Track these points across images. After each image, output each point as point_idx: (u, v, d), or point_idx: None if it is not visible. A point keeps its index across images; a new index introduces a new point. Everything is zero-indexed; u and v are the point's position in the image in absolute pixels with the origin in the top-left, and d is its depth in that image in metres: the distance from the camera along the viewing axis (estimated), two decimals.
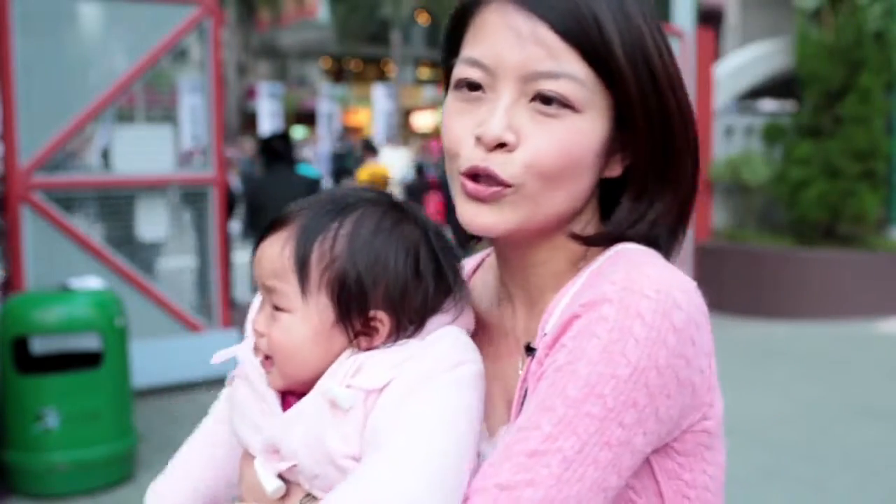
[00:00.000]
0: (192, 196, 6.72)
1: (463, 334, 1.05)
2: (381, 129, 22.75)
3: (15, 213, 5.84)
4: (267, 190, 6.95)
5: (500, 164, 0.98)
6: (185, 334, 6.47)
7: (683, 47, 9.14)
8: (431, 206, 10.26)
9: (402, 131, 28.06)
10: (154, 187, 6.45)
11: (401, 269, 1.04)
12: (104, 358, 4.81)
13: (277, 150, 7.20)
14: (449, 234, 1.16)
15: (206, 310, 6.79)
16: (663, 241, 1.06)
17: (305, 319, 1.04)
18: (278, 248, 1.05)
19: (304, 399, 1.02)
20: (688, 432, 0.97)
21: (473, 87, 1.00)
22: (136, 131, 6.84)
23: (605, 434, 0.89)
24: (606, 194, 1.07)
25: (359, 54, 37.39)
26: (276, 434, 1.02)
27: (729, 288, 9.55)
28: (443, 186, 9.88)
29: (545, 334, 0.99)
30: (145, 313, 6.20)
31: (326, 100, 23.08)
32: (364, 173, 11.32)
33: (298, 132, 28.54)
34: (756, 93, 12.48)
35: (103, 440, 4.79)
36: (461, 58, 1.02)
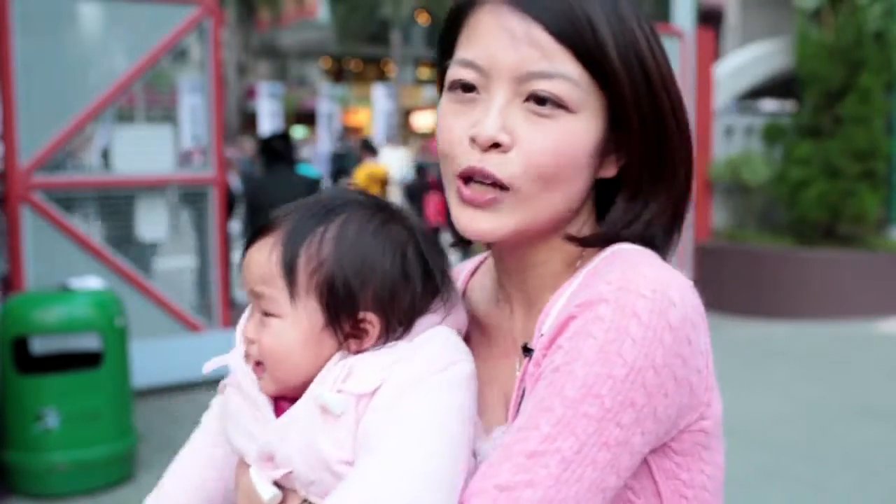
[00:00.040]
0: (191, 196, 6.72)
1: (453, 334, 1.05)
2: (381, 129, 22.75)
3: (15, 213, 5.84)
4: (267, 190, 6.95)
5: (495, 165, 0.98)
6: (185, 334, 6.47)
7: (683, 47, 9.14)
8: (431, 206, 10.25)
9: (402, 131, 28.06)
10: (154, 187, 6.45)
11: (388, 270, 1.04)
12: (104, 358, 4.81)
13: (277, 150, 7.21)
14: (448, 235, 1.16)
15: (206, 310, 6.80)
16: (659, 241, 1.06)
17: (295, 324, 1.03)
18: (265, 254, 1.05)
19: (296, 405, 1.02)
20: (685, 432, 0.97)
21: (467, 88, 1.01)
22: (136, 131, 6.84)
23: (603, 434, 0.89)
24: (602, 195, 1.07)
25: (359, 54, 37.39)
26: (270, 441, 1.02)
27: (729, 288, 9.55)
28: (443, 186, 9.85)
29: (542, 335, 0.99)
30: (145, 313, 6.20)
31: (326, 100, 23.07)
32: (362, 173, 11.32)
33: (298, 132, 28.54)
34: (756, 93, 12.48)
35: (103, 440, 4.80)
36: (455, 59, 1.02)
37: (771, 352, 8.10)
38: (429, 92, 34.68)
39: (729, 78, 11.81)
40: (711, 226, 10.40)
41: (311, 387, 1.02)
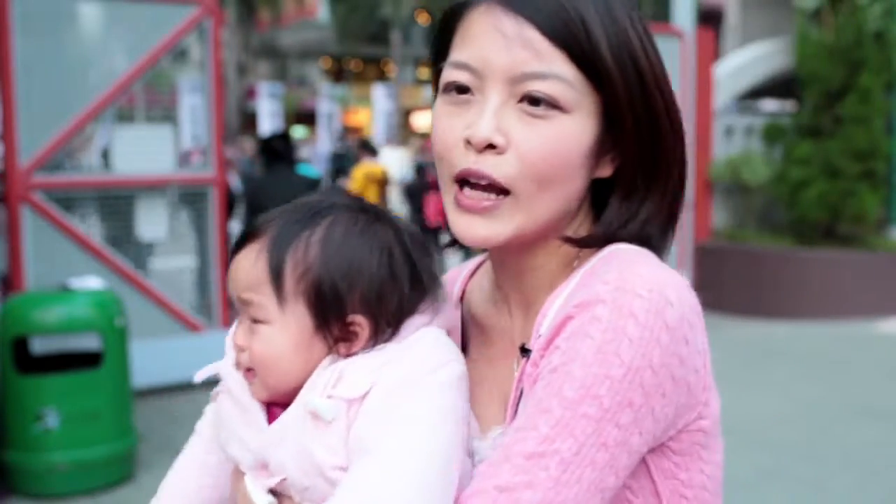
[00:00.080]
0: (191, 196, 6.72)
1: (442, 335, 1.05)
2: (381, 129, 22.75)
3: (15, 213, 5.84)
4: (267, 190, 6.95)
5: (491, 166, 0.98)
6: (185, 334, 6.47)
7: (683, 47, 9.14)
8: (432, 206, 10.24)
9: (402, 131, 28.06)
10: (154, 187, 6.46)
11: (375, 272, 1.03)
12: (104, 358, 4.81)
13: (277, 150, 7.20)
14: (448, 235, 1.15)
15: (206, 310, 6.80)
16: (655, 240, 1.06)
17: (284, 329, 1.03)
18: (251, 261, 1.04)
19: (287, 412, 1.02)
20: (684, 431, 0.97)
21: (462, 90, 1.01)
22: (136, 131, 6.84)
23: (601, 435, 0.89)
24: (598, 195, 1.07)
25: (359, 54, 37.39)
26: (263, 449, 1.02)
27: (729, 288, 9.55)
28: None
29: (540, 335, 0.99)
30: (145, 313, 6.20)
31: (326, 100, 23.07)
32: (359, 173, 11.31)
33: (298, 132, 28.54)
34: (756, 93, 12.48)
35: (103, 440, 4.80)
36: (449, 61, 1.02)
37: (771, 352, 8.10)
38: (429, 92, 34.55)
39: (729, 78, 11.81)
40: (711, 226, 10.39)
41: (302, 393, 1.01)
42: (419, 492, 0.92)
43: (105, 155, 7.63)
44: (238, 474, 1.07)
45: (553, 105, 0.97)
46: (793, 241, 9.90)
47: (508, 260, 1.09)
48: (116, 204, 6.40)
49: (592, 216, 1.08)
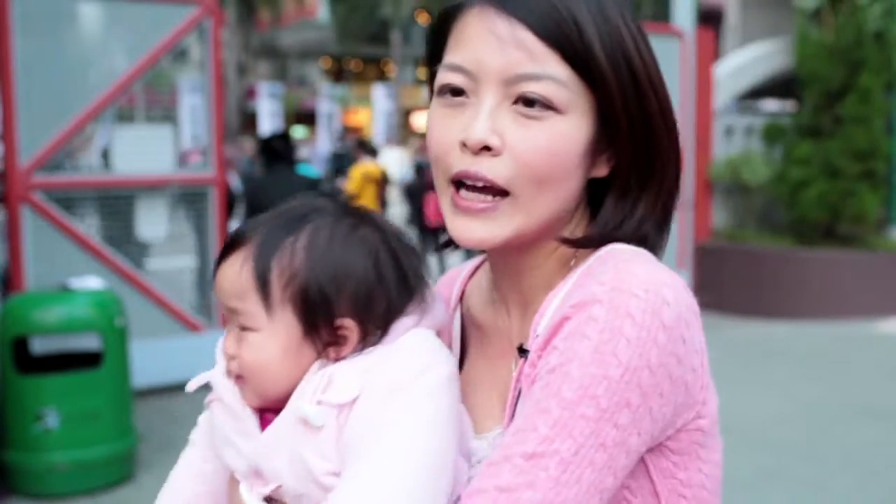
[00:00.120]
0: (191, 196, 6.72)
1: (430, 336, 1.05)
2: (381, 129, 22.77)
3: (15, 213, 5.84)
4: (267, 190, 6.95)
5: (488, 168, 0.98)
6: (185, 334, 6.47)
7: (683, 47, 9.14)
8: (432, 206, 10.24)
9: (402, 131, 28.07)
10: (154, 187, 6.46)
11: (362, 274, 1.03)
12: (104, 358, 4.81)
13: (277, 150, 7.20)
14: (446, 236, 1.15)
15: (206, 310, 6.80)
16: (652, 239, 1.06)
17: (273, 336, 1.03)
18: (237, 269, 1.04)
19: (279, 419, 1.02)
20: (682, 431, 0.97)
21: (456, 92, 1.01)
22: (136, 131, 6.85)
23: (600, 435, 0.89)
24: (595, 195, 1.08)
25: (359, 54, 37.39)
26: (256, 456, 1.02)
27: (729, 288, 9.55)
28: None
29: (537, 335, 0.99)
30: (145, 313, 6.20)
31: (326, 100, 23.09)
32: (357, 172, 11.33)
33: (298, 132, 28.55)
34: (756, 93, 12.48)
35: (103, 440, 4.80)
36: (443, 64, 1.03)
37: (771, 352, 8.10)
38: None
39: (729, 78, 11.81)
40: (711, 226, 10.39)
41: (292, 399, 1.01)
42: (411, 497, 0.92)
43: (105, 155, 7.63)
44: (234, 482, 1.07)
45: (547, 106, 0.98)
46: (793, 241, 9.91)
47: (506, 260, 1.09)
48: (116, 204, 6.40)
49: (589, 216, 1.08)
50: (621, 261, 0.97)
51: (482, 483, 0.90)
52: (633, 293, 0.92)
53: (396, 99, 25.33)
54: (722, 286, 9.49)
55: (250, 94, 26.66)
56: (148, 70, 6.37)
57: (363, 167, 11.34)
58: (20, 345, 4.79)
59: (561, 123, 0.98)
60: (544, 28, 0.97)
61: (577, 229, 1.07)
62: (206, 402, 1.12)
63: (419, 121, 34.16)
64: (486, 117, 0.98)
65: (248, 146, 16.49)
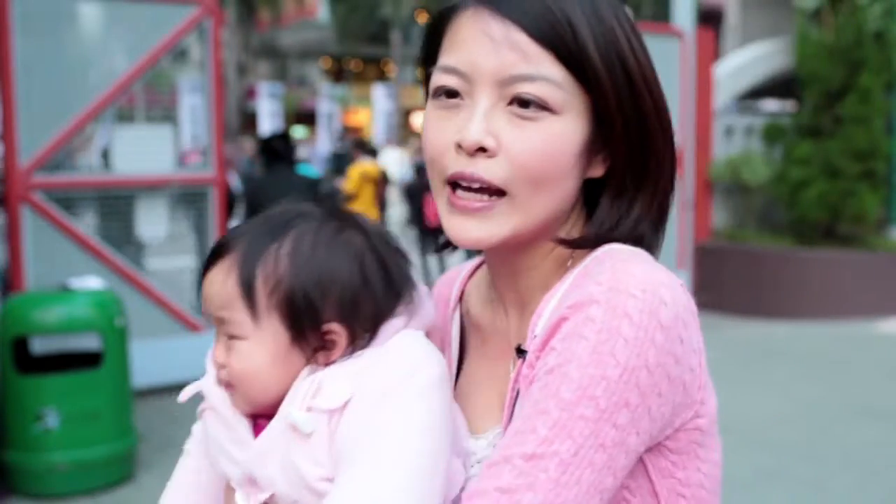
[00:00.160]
0: (191, 196, 6.72)
1: (419, 337, 1.05)
2: (381, 129, 22.78)
3: (15, 213, 5.84)
4: (267, 190, 6.95)
5: (483, 169, 0.98)
6: (185, 334, 6.47)
7: (683, 47, 9.14)
8: (432, 206, 10.24)
9: (402, 131, 28.07)
10: (154, 187, 6.46)
11: (347, 278, 1.03)
12: (104, 358, 4.81)
13: (277, 150, 7.20)
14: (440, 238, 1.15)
15: None
16: (648, 239, 1.06)
17: (261, 344, 1.03)
18: (222, 279, 1.04)
19: (270, 426, 1.02)
20: (680, 430, 0.97)
21: (451, 94, 1.01)
22: (136, 131, 6.85)
23: (599, 436, 0.89)
24: (591, 195, 1.08)
25: (359, 54, 37.39)
26: (250, 464, 1.02)
27: (729, 288, 9.55)
28: None
29: (535, 336, 0.99)
30: (145, 313, 6.20)
31: (326, 100, 23.09)
32: (355, 172, 11.34)
33: (298, 132, 28.55)
34: (756, 93, 12.49)
35: (103, 440, 4.80)
36: (438, 66, 1.03)
37: (771, 352, 8.10)
38: None
39: (729, 78, 11.81)
40: (711, 226, 10.40)
41: (283, 405, 1.01)
42: (405, 500, 0.92)
43: (105, 155, 7.63)
44: (230, 490, 1.07)
45: (542, 106, 0.98)
46: (793, 241, 9.91)
47: (502, 261, 1.09)
48: (116, 204, 6.40)
49: (585, 216, 1.08)
50: (618, 261, 0.97)
51: (483, 484, 0.90)
52: (631, 293, 0.92)
53: (396, 99, 25.33)
54: (722, 286, 9.50)
55: (250, 94, 26.67)
56: (148, 70, 6.37)
57: (361, 167, 11.35)
58: (20, 345, 4.79)
59: (556, 124, 0.98)
60: (538, 29, 0.97)
61: (573, 230, 1.07)
62: (198, 411, 1.12)
63: (419, 121, 34.12)
64: (481, 118, 0.98)
65: (248, 146, 16.50)
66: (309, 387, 1.00)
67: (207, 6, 6.49)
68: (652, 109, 1.03)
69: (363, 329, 1.03)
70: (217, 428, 1.07)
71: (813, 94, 9.91)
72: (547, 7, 0.97)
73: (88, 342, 4.91)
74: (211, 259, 1.06)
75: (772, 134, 10.43)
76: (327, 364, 1.03)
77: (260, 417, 1.05)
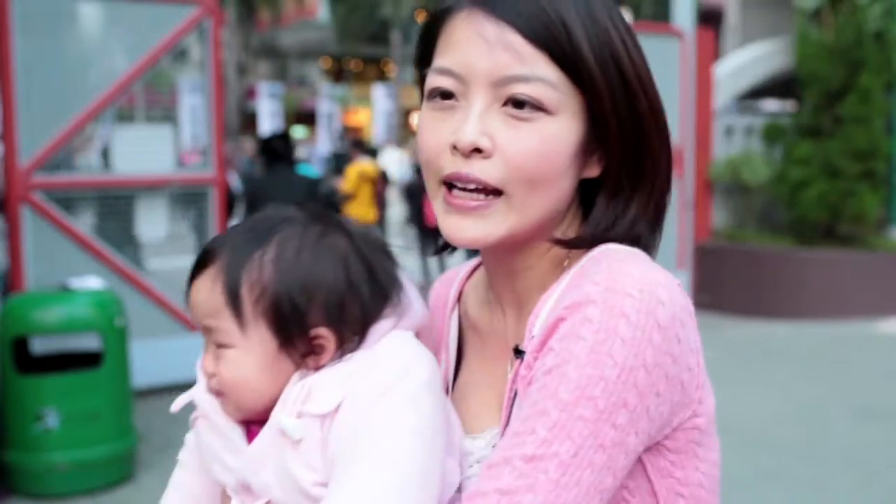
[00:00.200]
0: (191, 196, 6.72)
1: (408, 338, 1.05)
2: (382, 129, 22.77)
3: (15, 213, 5.84)
4: (267, 190, 6.95)
5: (479, 170, 0.98)
6: (185, 334, 6.47)
7: (683, 47, 9.14)
8: (431, 206, 10.24)
9: (402, 131, 28.06)
10: (154, 187, 6.46)
11: (332, 283, 1.03)
12: (104, 358, 4.81)
13: (277, 150, 7.21)
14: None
15: None
16: (645, 239, 1.06)
17: (249, 352, 1.03)
18: (208, 288, 1.04)
19: (263, 432, 1.02)
20: (679, 430, 0.97)
21: (446, 95, 1.01)
22: (136, 131, 6.85)
23: (598, 436, 0.89)
24: (587, 196, 1.08)
25: (359, 54, 37.39)
26: (244, 471, 1.02)
27: (729, 288, 9.55)
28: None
29: (533, 336, 0.99)
30: (145, 313, 6.20)
31: (326, 100, 23.08)
32: (353, 172, 11.36)
33: (298, 132, 28.55)
34: (756, 93, 12.49)
35: (103, 440, 4.80)
36: (433, 67, 1.03)
37: (771, 352, 8.10)
38: None
39: (729, 78, 11.81)
40: (711, 226, 10.40)
41: (274, 412, 1.01)
42: (400, 501, 0.92)
43: (105, 155, 7.63)
44: (226, 498, 1.07)
45: (537, 107, 0.98)
46: (793, 241, 9.91)
47: (499, 261, 1.09)
48: (116, 204, 6.40)
49: (581, 216, 1.08)
50: (615, 261, 0.97)
51: (483, 485, 0.90)
52: (628, 293, 0.92)
53: (396, 99, 25.33)
54: (722, 286, 9.50)
55: (250, 94, 26.67)
56: (148, 70, 6.37)
57: (359, 166, 11.36)
58: (20, 345, 4.79)
59: (551, 124, 0.98)
60: (532, 30, 0.97)
61: (569, 230, 1.07)
62: (190, 419, 1.12)
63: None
64: (477, 119, 0.98)
65: (248, 146, 16.51)
66: (299, 392, 1.00)
67: (207, 6, 6.49)
68: (647, 110, 1.03)
69: (351, 332, 1.03)
70: (210, 436, 1.07)
71: (813, 94, 9.91)
72: (541, 8, 0.97)
73: (88, 342, 4.91)
74: (196, 267, 1.06)
75: (772, 134, 10.43)
76: (317, 368, 1.03)
77: (253, 424, 1.05)
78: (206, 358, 1.07)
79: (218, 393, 1.06)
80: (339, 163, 18.05)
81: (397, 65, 31.98)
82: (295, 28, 34.12)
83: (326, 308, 1.02)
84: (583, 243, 1.04)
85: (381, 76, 35.69)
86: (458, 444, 1.05)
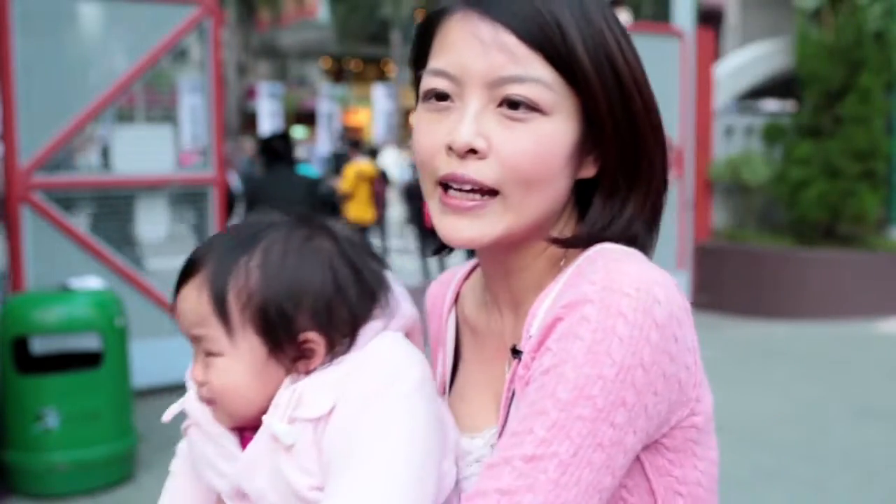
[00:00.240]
0: (191, 196, 6.72)
1: (398, 339, 1.05)
2: (382, 129, 22.77)
3: (15, 213, 5.84)
4: (267, 190, 6.95)
5: (474, 171, 0.98)
6: None
7: (683, 47, 9.14)
8: None
9: (402, 131, 28.06)
10: (154, 187, 6.46)
11: (319, 286, 1.02)
12: (104, 358, 4.81)
13: (277, 150, 7.20)
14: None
15: None
16: (642, 239, 1.07)
17: (238, 359, 1.03)
18: (194, 297, 1.04)
19: (256, 438, 1.02)
20: (677, 428, 0.97)
21: (441, 97, 1.01)
22: (136, 131, 6.85)
23: (597, 436, 0.89)
24: (583, 196, 1.08)
25: (359, 54, 37.39)
26: (239, 477, 1.02)
27: (729, 288, 9.55)
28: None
29: (530, 336, 1.00)
30: (145, 313, 6.20)
31: (326, 100, 23.08)
32: (351, 171, 11.36)
33: (298, 132, 28.55)
34: (756, 93, 12.49)
35: (103, 440, 4.80)
36: (428, 69, 1.03)
37: (771, 352, 8.10)
38: None
39: (729, 78, 11.81)
40: (711, 226, 10.40)
41: (266, 417, 1.01)
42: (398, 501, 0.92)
43: (105, 155, 7.63)
44: None
45: (532, 108, 0.98)
46: (793, 241, 9.91)
47: (495, 261, 1.09)
48: (116, 204, 6.40)
49: (577, 216, 1.09)
50: (612, 260, 0.97)
51: (482, 485, 0.91)
52: (625, 292, 0.92)
53: (396, 99, 25.32)
54: (722, 286, 9.49)
55: (250, 94, 26.66)
56: (148, 70, 6.37)
57: (357, 166, 11.38)
58: (20, 345, 4.79)
59: (546, 125, 0.99)
60: (527, 31, 0.97)
61: (565, 229, 1.07)
62: (182, 428, 1.11)
63: None
64: (472, 120, 0.98)
65: (248, 146, 16.51)
66: (290, 397, 1.00)
67: (207, 6, 6.49)
68: (642, 110, 1.03)
69: (341, 335, 1.03)
70: (203, 443, 1.07)
71: (813, 94, 9.91)
72: (536, 9, 0.98)
73: (88, 342, 4.92)
74: (182, 277, 1.06)
75: (772, 134, 10.43)
76: (308, 372, 1.03)
77: (246, 430, 1.05)
78: (196, 367, 1.07)
79: (209, 401, 1.05)
80: (338, 163, 18.04)
81: (397, 65, 31.99)
82: (295, 28, 34.12)
83: (314, 312, 1.02)
84: (579, 243, 1.04)
85: (381, 76, 35.69)
86: (454, 445, 1.05)
